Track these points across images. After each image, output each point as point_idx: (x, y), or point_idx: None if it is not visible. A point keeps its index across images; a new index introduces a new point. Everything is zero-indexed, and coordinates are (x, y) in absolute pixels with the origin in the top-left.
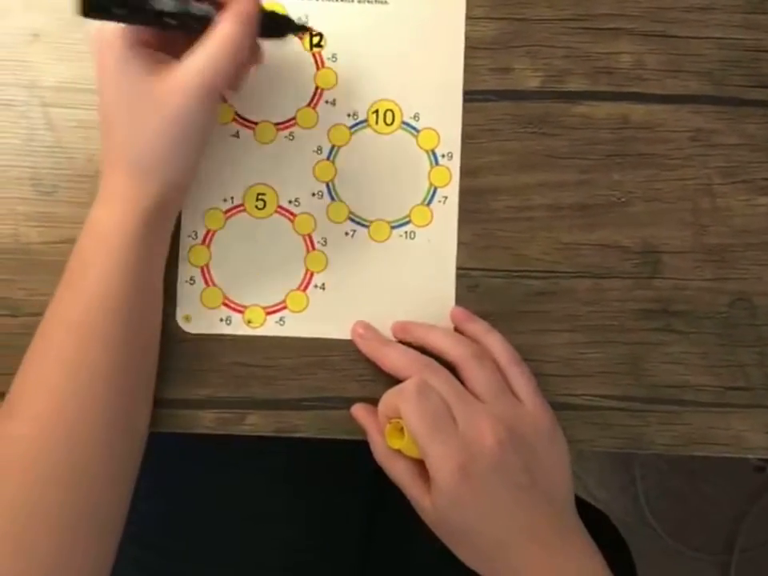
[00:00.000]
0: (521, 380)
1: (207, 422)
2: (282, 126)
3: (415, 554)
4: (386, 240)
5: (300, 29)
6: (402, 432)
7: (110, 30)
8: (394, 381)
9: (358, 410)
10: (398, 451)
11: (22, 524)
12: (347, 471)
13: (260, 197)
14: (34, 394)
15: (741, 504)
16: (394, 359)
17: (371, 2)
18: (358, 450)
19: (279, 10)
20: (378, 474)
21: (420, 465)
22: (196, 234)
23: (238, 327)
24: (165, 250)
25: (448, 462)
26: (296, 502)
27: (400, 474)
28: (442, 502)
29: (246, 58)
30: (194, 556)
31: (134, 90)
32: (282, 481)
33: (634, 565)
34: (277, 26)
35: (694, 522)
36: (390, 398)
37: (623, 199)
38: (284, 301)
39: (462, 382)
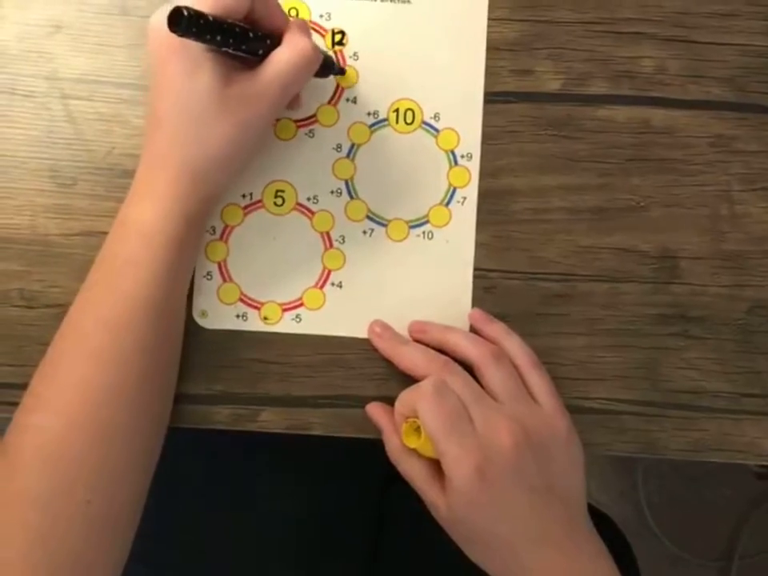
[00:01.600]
0: (538, 382)
1: (222, 417)
2: (302, 123)
3: (425, 557)
4: (403, 239)
5: (339, 71)
6: (418, 431)
7: None
8: (409, 381)
9: (374, 409)
10: (414, 451)
11: (46, 515)
12: (356, 472)
13: (279, 193)
14: (64, 387)
15: (742, 510)
16: (412, 358)
17: (394, 2)
18: (368, 451)
19: (304, 14)
20: (388, 481)
21: (435, 465)
22: (214, 230)
23: (254, 323)
24: (198, 250)
25: (464, 462)
26: (302, 502)
27: (415, 473)
28: (457, 502)
29: (315, 70)
30: (193, 552)
31: (206, 92)
32: (287, 480)
33: (638, 568)
34: (324, 66)
35: (695, 527)
36: (407, 396)
37: (642, 204)
38: (301, 298)
39: (480, 383)
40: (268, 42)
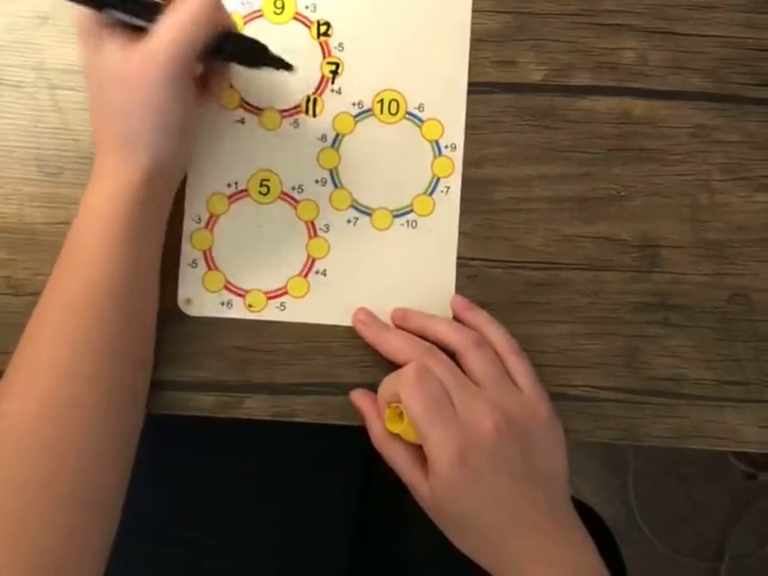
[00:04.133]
0: (520, 369)
1: (206, 404)
2: (287, 113)
3: (407, 546)
4: (387, 228)
5: (277, 61)
6: (401, 417)
7: (87, 13)
8: (393, 367)
9: (357, 395)
10: (397, 436)
11: (22, 504)
12: (338, 459)
13: (264, 183)
14: (31, 372)
15: (732, 511)
16: (395, 344)
17: None
18: (351, 438)
19: (290, 6)
20: (370, 467)
21: (418, 450)
22: (199, 218)
23: (239, 311)
24: (159, 230)
25: (447, 446)
26: (282, 485)
27: (398, 458)
28: (439, 487)
29: (214, 33)
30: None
31: (110, 66)
32: (270, 462)
33: (624, 562)
34: (251, 52)
35: (685, 527)
36: (389, 382)
37: (623, 193)
38: (285, 286)
39: (462, 370)
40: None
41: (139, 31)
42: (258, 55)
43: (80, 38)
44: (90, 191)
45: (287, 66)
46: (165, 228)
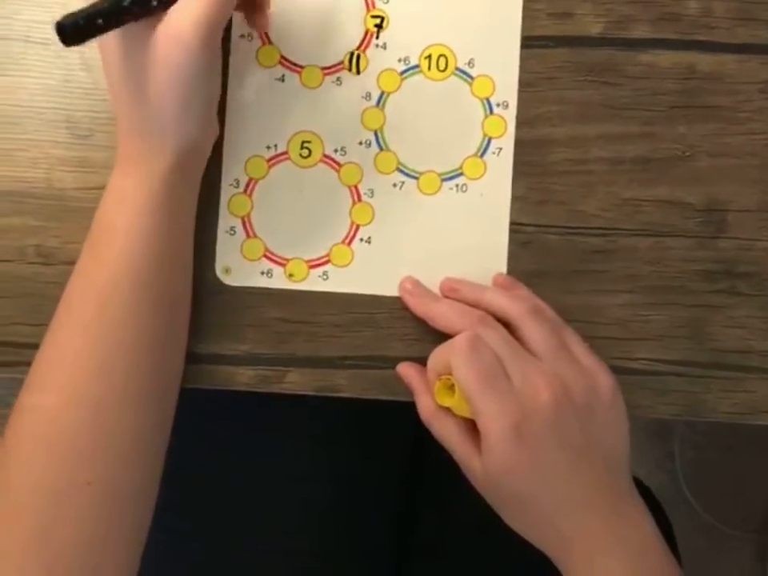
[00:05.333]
0: (576, 341)
1: (245, 378)
2: (329, 71)
3: (455, 523)
4: (435, 193)
5: None
6: (452, 389)
7: None
8: (441, 340)
9: (405, 368)
10: (448, 410)
11: (44, 500)
12: (382, 436)
13: (305, 145)
14: (56, 363)
15: None
16: (445, 314)
17: None
18: (396, 413)
19: None
20: (417, 443)
21: (471, 425)
22: (237, 183)
23: (279, 281)
24: (190, 216)
25: (501, 420)
26: (325, 464)
27: (449, 434)
28: (493, 463)
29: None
30: (215, 518)
31: (132, 51)
32: (310, 443)
33: (675, 537)
34: None
35: (732, 499)
36: (440, 353)
37: (688, 153)
38: (328, 254)
39: (519, 342)
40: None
41: (159, 12)
42: None
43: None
44: (117, 177)
45: None
46: (196, 203)
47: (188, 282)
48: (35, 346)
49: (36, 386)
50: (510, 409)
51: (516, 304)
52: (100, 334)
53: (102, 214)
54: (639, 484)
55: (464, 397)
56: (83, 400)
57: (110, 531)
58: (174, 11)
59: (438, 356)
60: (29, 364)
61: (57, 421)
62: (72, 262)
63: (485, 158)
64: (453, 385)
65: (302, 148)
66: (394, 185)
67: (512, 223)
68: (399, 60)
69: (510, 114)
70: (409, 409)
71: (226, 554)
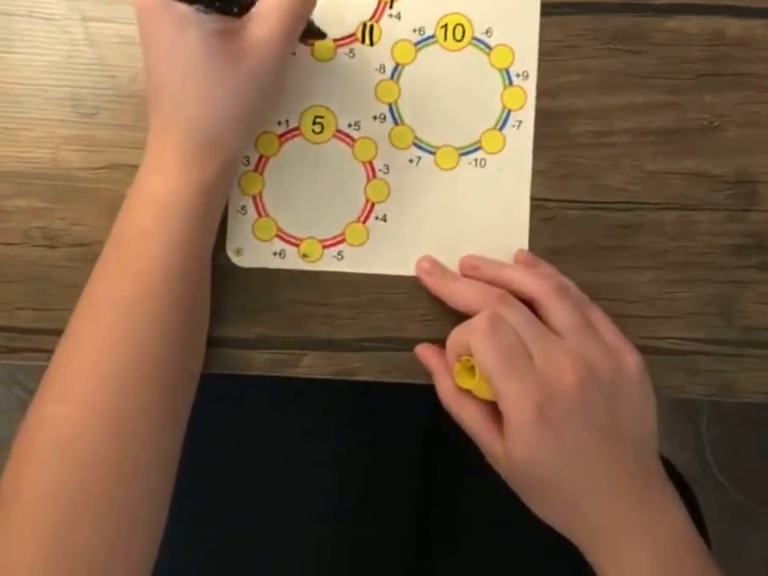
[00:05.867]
0: (602, 319)
1: (260, 362)
2: (341, 43)
3: (473, 506)
4: (453, 168)
5: (318, 35)
6: (472, 371)
7: None
8: (460, 320)
9: (423, 350)
10: (468, 393)
11: (60, 511)
12: (396, 423)
13: (317, 120)
14: (78, 373)
15: None
16: (464, 293)
17: None
18: (410, 397)
19: None
20: (430, 431)
21: (492, 407)
22: (248, 161)
23: (292, 261)
24: (218, 221)
25: (524, 401)
26: (340, 446)
27: (470, 417)
28: (516, 446)
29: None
30: (229, 503)
31: (201, 47)
32: (326, 424)
33: (702, 516)
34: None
35: (762, 475)
36: (458, 333)
37: (716, 123)
38: (342, 233)
39: (542, 320)
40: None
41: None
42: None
43: (162, 15)
44: (147, 182)
45: (322, 36)
46: (220, 217)
47: (208, 291)
48: (41, 331)
49: (56, 396)
50: (533, 389)
51: (539, 281)
52: (127, 347)
53: (135, 222)
54: (665, 462)
55: (484, 378)
56: (108, 411)
57: (129, 541)
58: (260, 17)
59: (457, 336)
60: (34, 350)
61: (81, 431)
62: (79, 245)
63: (504, 131)
64: (473, 366)
65: (314, 123)
66: (410, 160)
67: (533, 199)
68: (414, 30)
69: (530, 85)
70: (423, 394)
71: (240, 540)
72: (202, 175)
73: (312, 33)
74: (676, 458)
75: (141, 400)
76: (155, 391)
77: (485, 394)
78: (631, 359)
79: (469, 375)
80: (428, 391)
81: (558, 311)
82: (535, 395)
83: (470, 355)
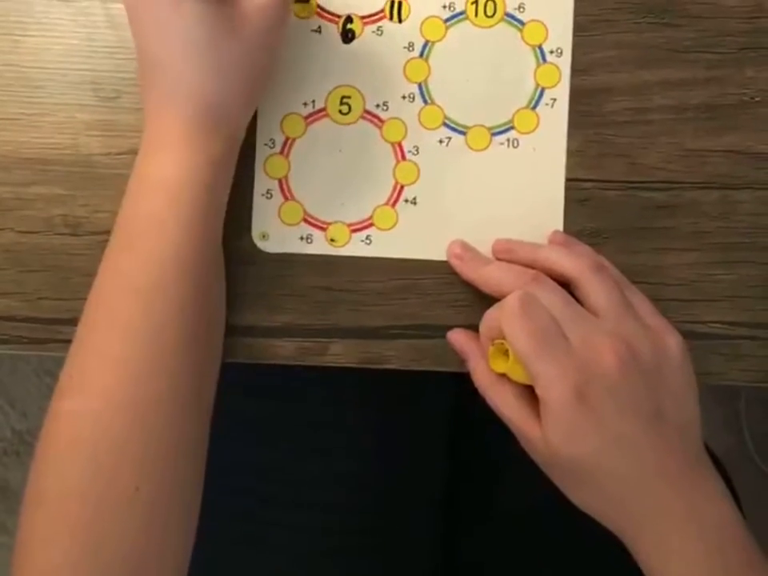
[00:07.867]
0: (642, 302)
1: (286, 351)
2: (368, 20)
3: (503, 493)
4: (485, 148)
5: None
6: (506, 354)
7: None
8: (493, 305)
9: (456, 335)
10: (504, 377)
11: (88, 508)
12: (422, 411)
13: (344, 100)
14: (97, 366)
15: None
16: (496, 277)
17: None
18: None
19: None
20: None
21: (529, 391)
22: (273, 143)
23: (320, 246)
24: (227, 199)
25: (561, 383)
26: (364, 434)
27: (506, 402)
28: (554, 431)
29: None
30: (250, 492)
31: (196, 19)
32: (339, 413)
33: (740, 501)
34: None
35: None
36: (491, 315)
37: (757, 99)
38: (371, 217)
39: (580, 301)
40: None
41: None
42: None
43: None
44: (151, 159)
45: None
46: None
47: (222, 272)
48: (64, 322)
49: (75, 391)
50: (571, 371)
51: (575, 260)
52: (146, 336)
53: (143, 206)
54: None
55: (519, 361)
56: (131, 404)
57: (162, 540)
58: None
59: (490, 319)
60: (56, 341)
61: (104, 427)
62: (101, 232)
63: (537, 109)
64: (507, 349)
65: (341, 104)
66: (441, 141)
67: (568, 179)
68: (444, 6)
69: (565, 62)
70: (442, 381)
71: (261, 529)
72: (210, 153)
73: None
74: (714, 440)
75: (164, 390)
76: (177, 379)
77: (520, 377)
78: (673, 341)
79: (503, 359)
80: (449, 379)
81: (595, 290)
82: (573, 377)
83: (504, 338)
